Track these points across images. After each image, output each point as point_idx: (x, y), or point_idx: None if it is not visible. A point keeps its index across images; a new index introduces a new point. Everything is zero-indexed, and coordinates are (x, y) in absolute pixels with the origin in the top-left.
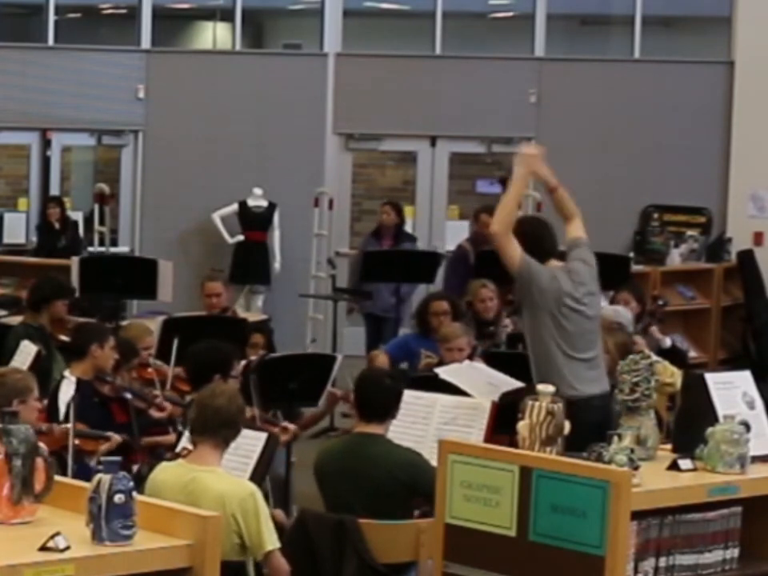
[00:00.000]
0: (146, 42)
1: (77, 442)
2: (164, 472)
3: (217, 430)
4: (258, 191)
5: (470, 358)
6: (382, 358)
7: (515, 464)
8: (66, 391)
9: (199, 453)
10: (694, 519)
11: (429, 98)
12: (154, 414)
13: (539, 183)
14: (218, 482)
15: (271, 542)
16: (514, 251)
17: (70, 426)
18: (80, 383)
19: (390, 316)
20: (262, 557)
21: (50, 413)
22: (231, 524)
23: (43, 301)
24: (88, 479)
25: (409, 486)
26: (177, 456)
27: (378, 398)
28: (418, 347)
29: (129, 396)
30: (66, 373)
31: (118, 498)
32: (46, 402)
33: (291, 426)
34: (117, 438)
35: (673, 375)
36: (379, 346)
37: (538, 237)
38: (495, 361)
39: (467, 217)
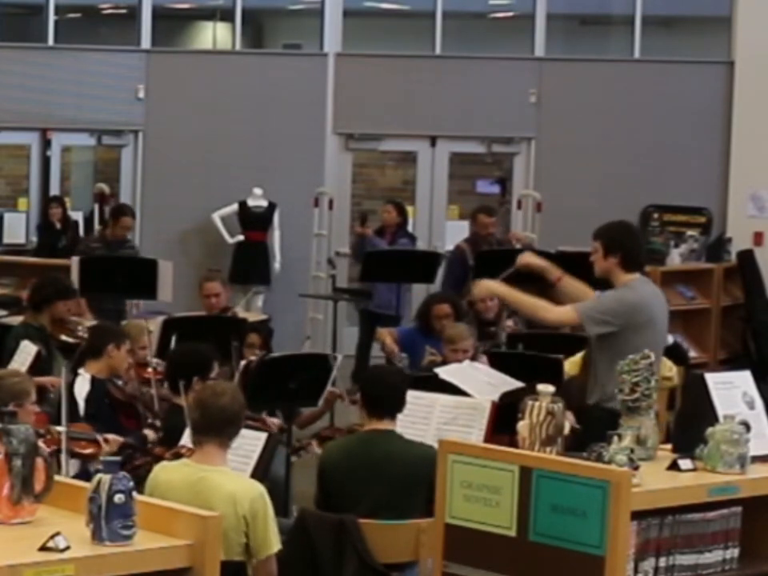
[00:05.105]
0: (146, 42)
1: (81, 449)
2: (167, 472)
3: (222, 429)
4: (257, 191)
5: (473, 359)
6: (389, 338)
7: (515, 464)
8: (82, 388)
9: (205, 452)
10: (694, 519)
11: (429, 98)
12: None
13: (538, 184)
14: (229, 481)
15: (275, 544)
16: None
17: (63, 428)
18: (94, 381)
19: (386, 313)
20: (263, 558)
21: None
22: (241, 524)
23: (45, 301)
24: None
25: (428, 481)
26: (177, 455)
27: (389, 395)
28: (423, 343)
29: (138, 407)
30: (81, 370)
31: (118, 498)
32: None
33: (275, 421)
34: (111, 441)
35: (671, 370)
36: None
37: (635, 250)
38: (496, 361)
39: (467, 217)
